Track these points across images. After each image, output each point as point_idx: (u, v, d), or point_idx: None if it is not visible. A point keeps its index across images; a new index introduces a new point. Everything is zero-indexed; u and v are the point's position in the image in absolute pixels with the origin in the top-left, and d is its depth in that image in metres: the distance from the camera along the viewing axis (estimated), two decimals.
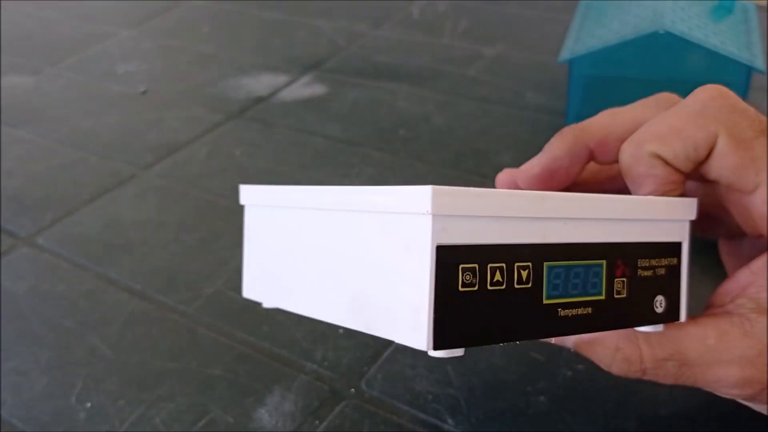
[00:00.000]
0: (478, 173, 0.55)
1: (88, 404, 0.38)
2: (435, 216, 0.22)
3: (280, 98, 0.69)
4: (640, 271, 0.27)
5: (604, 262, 0.26)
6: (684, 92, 0.58)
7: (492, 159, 0.57)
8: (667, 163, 0.27)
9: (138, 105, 0.69)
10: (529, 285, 0.25)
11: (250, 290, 0.33)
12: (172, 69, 0.76)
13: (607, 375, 0.30)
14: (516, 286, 0.24)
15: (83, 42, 0.84)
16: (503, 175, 0.32)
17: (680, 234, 0.29)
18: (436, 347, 0.22)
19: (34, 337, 0.43)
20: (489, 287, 0.23)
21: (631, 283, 0.27)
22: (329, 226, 0.27)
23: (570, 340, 0.29)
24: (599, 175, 0.32)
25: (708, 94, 0.28)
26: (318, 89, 0.70)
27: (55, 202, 0.55)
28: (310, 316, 0.28)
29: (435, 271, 0.22)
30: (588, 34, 0.56)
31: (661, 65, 0.54)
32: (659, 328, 0.28)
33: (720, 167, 0.27)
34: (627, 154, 0.28)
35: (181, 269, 0.47)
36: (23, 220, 0.54)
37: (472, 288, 0.23)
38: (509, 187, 0.32)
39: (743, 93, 0.52)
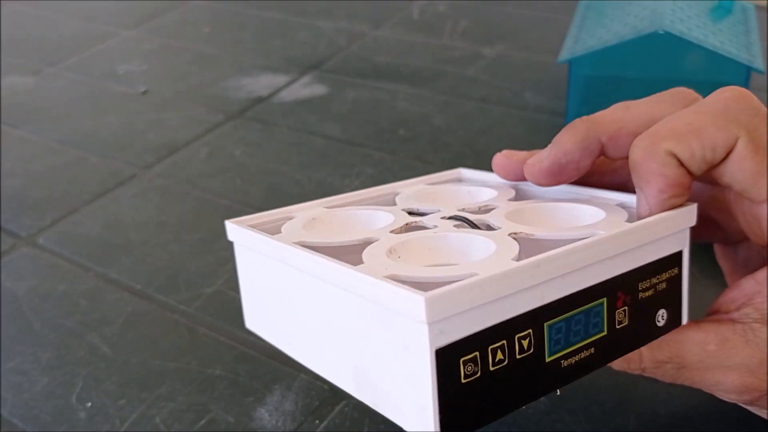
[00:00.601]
0: None
1: (89, 404, 0.38)
2: (431, 324, 0.21)
3: (281, 98, 0.69)
4: (641, 294, 0.27)
5: (605, 299, 0.25)
6: None
7: (491, 159, 0.57)
8: (681, 163, 0.26)
9: (138, 105, 0.69)
10: (531, 351, 0.24)
11: (252, 323, 0.32)
12: (172, 69, 0.76)
13: (607, 374, 0.30)
14: (518, 356, 0.23)
15: (84, 42, 0.84)
16: (501, 158, 0.31)
17: (680, 243, 0.27)
18: None
19: (34, 336, 0.43)
20: (491, 368, 0.23)
21: (633, 308, 0.26)
22: (325, 293, 0.25)
23: None
24: (601, 167, 0.31)
25: (731, 94, 0.26)
26: (318, 89, 0.70)
27: (55, 202, 0.56)
28: (317, 372, 0.28)
29: (436, 374, 0.22)
30: (587, 35, 0.57)
31: (660, 65, 0.54)
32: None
33: (735, 171, 0.26)
34: (640, 148, 0.26)
35: (181, 269, 0.47)
36: (24, 219, 0.54)
37: (475, 376, 0.23)
38: (506, 171, 0.31)
39: None
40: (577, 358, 0.25)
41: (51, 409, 0.38)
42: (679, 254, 0.27)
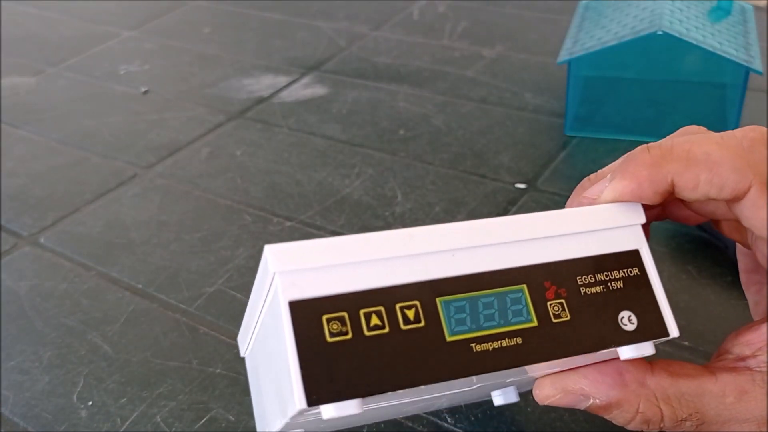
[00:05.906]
0: (477, 173, 0.55)
1: (90, 402, 0.38)
2: (281, 273, 0.21)
3: (281, 99, 0.69)
4: (583, 289, 0.25)
5: (524, 286, 0.24)
6: (682, 92, 0.58)
7: (491, 159, 0.57)
8: (672, 191, 0.24)
9: (139, 105, 0.70)
10: (422, 324, 0.23)
11: (262, 424, 0.30)
12: (173, 69, 0.76)
13: None
14: (403, 327, 0.22)
15: (85, 42, 0.84)
16: (583, 183, 0.28)
17: (633, 241, 0.26)
18: (311, 403, 0.21)
19: (36, 335, 0.43)
20: (367, 333, 0.22)
21: (573, 303, 0.25)
22: (266, 335, 0.25)
23: (580, 402, 0.26)
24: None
25: (759, 135, 0.24)
26: (318, 90, 0.70)
27: (56, 201, 0.56)
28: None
29: (293, 327, 0.21)
30: (587, 36, 0.57)
31: (659, 66, 0.54)
32: (647, 350, 0.25)
33: (747, 216, 0.25)
34: (641, 153, 0.25)
35: (182, 268, 0.48)
36: (25, 219, 0.54)
37: (344, 336, 0.22)
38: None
39: (741, 94, 0.52)
40: (495, 345, 0.23)
41: (52, 408, 0.38)
42: (636, 253, 0.26)
